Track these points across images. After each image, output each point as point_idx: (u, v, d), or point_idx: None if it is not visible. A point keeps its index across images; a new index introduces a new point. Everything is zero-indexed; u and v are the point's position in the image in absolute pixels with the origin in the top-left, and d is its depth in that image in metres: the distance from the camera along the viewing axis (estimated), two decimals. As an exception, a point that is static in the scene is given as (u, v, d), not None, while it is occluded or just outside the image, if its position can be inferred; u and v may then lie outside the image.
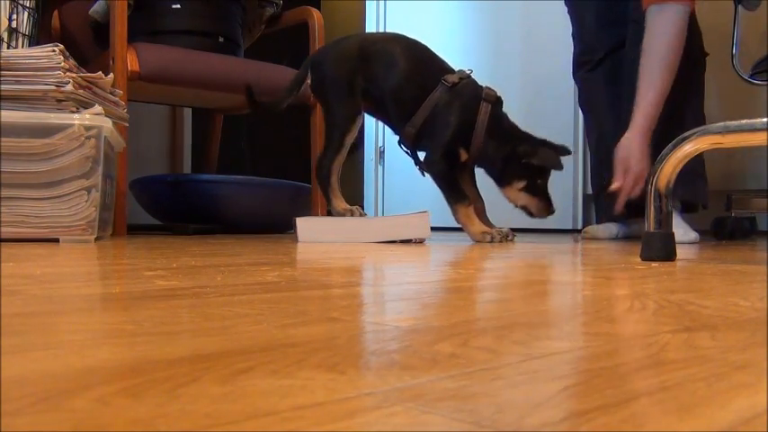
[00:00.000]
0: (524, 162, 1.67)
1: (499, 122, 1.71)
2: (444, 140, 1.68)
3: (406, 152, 1.80)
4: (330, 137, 1.75)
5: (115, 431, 0.22)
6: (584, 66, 2.20)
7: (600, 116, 2.16)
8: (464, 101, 1.70)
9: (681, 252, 1.23)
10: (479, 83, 1.77)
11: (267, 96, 2.25)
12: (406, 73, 1.72)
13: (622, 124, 1.98)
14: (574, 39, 2.24)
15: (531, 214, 1.75)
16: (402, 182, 3.28)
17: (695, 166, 1.93)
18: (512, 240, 1.73)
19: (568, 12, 2.23)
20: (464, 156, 1.70)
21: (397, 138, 1.79)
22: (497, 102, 1.72)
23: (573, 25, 2.23)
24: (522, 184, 1.70)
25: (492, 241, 1.68)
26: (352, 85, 1.74)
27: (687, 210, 2.02)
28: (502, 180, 1.72)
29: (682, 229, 1.83)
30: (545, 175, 1.74)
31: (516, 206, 1.75)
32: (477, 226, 1.71)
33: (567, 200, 2.79)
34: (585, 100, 2.26)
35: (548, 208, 1.76)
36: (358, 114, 1.77)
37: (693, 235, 1.85)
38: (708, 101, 2.37)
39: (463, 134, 1.69)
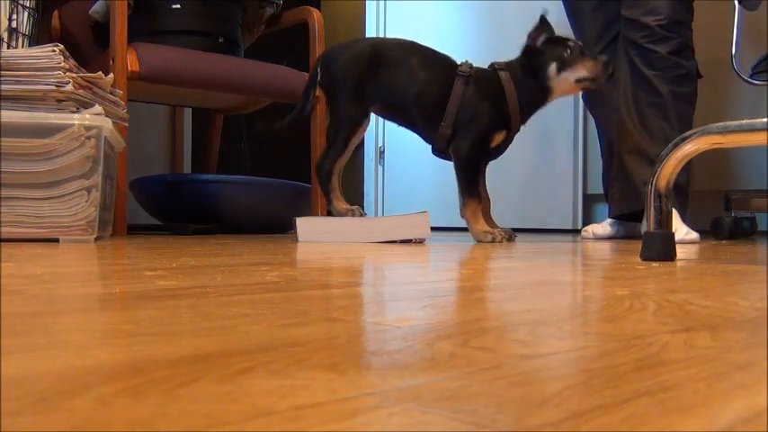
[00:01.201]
0: (541, 49, 1.71)
1: (521, 77, 1.71)
2: (480, 127, 1.69)
3: (444, 158, 1.78)
4: (334, 137, 1.74)
5: (115, 431, 0.22)
6: None
7: (608, 124, 2.19)
8: (487, 84, 1.71)
9: (681, 252, 1.23)
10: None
11: (267, 97, 2.26)
12: (423, 78, 1.72)
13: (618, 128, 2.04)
14: None
15: (593, 81, 1.73)
16: (402, 182, 3.28)
17: (684, 184, 1.99)
18: (513, 241, 1.73)
19: (572, 29, 2.29)
20: (500, 138, 1.71)
21: (431, 146, 1.78)
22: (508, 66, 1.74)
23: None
24: (556, 66, 1.70)
25: (493, 241, 1.68)
26: (362, 88, 1.73)
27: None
28: (552, 90, 1.72)
29: (683, 229, 1.84)
30: (565, 43, 1.72)
31: (581, 86, 1.74)
32: (481, 225, 1.72)
33: (566, 200, 2.79)
34: (593, 109, 2.32)
35: (599, 64, 1.71)
36: (365, 117, 1.76)
37: (694, 235, 1.86)
38: (708, 101, 2.37)
39: (498, 115, 1.70)
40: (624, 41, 2.04)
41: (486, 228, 1.72)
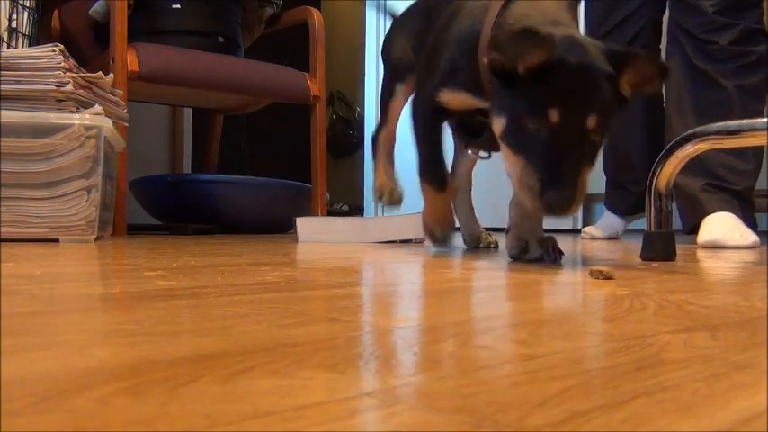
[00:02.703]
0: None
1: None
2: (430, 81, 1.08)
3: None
4: (380, 109, 1.51)
5: (115, 431, 0.22)
6: None
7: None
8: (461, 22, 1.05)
9: (681, 252, 1.23)
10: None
11: (267, 97, 2.25)
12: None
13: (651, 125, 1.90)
14: None
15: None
16: (402, 182, 3.28)
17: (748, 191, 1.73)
18: (494, 249, 1.36)
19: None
20: (455, 101, 1.04)
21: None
22: None
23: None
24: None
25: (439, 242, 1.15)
26: (398, 57, 1.41)
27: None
28: None
29: (738, 233, 1.56)
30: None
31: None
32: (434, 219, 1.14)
33: (566, 200, 2.79)
34: None
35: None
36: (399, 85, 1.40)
37: (751, 239, 1.56)
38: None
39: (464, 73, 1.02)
40: (676, 30, 1.73)
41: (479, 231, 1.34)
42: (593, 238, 2.09)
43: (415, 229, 1.64)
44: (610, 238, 2.08)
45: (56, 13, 2.27)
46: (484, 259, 1.14)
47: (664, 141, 1.73)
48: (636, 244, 1.42)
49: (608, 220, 2.13)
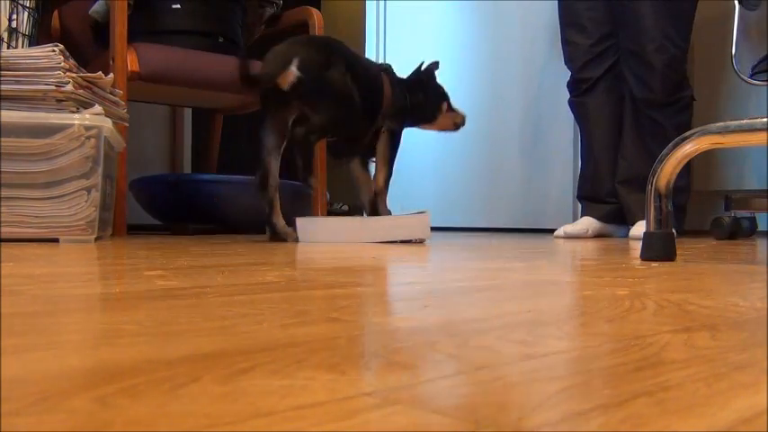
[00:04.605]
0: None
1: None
2: None
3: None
4: None
5: (115, 431, 0.22)
6: (576, 90, 2.31)
7: (593, 135, 2.27)
8: None
9: (681, 252, 1.23)
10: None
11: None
12: None
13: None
14: (567, 63, 2.33)
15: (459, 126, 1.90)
16: (402, 182, 3.29)
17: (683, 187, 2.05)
18: None
19: (561, 39, 2.33)
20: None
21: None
22: None
23: (564, 50, 2.33)
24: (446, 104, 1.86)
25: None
26: None
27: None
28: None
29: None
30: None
31: (452, 130, 1.87)
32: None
33: (565, 201, 2.79)
34: (580, 120, 2.37)
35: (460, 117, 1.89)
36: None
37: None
38: (708, 100, 2.37)
39: None
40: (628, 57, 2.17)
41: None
42: (568, 235, 2.15)
43: (416, 230, 1.64)
44: (581, 237, 2.15)
45: (56, 13, 2.27)
46: (483, 259, 1.14)
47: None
48: (636, 244, 1.42)
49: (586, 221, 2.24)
